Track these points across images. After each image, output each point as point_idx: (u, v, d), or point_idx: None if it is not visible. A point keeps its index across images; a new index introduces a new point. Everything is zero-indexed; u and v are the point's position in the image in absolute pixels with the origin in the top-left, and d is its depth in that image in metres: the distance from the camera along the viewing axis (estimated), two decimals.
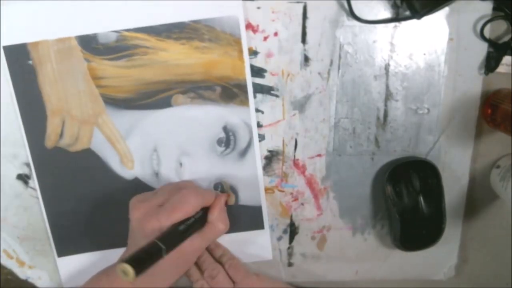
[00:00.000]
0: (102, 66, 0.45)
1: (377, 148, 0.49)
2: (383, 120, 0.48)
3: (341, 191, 0.50)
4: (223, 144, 0.47)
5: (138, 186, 0.48)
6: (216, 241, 0.49)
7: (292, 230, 0.51)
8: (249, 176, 0.48)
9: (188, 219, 0.41)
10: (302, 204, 0.50)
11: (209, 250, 0.48)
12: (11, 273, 0.51)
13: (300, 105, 0.47)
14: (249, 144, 0.47)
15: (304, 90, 0.47)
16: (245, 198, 0.48)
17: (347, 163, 0.49)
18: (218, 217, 0.44)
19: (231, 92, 0.45)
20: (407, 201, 0.48)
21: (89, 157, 0.47)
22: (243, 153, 0.47)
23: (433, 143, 0.49)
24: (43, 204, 0.48)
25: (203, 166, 0.48)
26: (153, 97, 0.46)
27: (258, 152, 0.47)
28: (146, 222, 0.40)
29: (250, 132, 0.46)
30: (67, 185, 0.48)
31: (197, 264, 0.47)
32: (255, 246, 0.50)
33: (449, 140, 0.49)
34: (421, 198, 0.48)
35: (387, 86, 0.47)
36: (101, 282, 0.42)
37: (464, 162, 0.50)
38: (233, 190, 0.48)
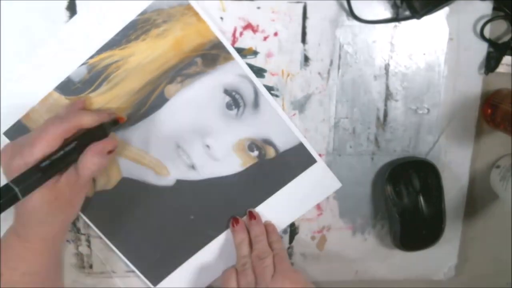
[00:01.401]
0: (90, 101, 0.45)
1: (377, 148, 0.49)
2: (383, 120, 0.48)
3: (341, 191, 0.50)
4: (233, 107, 0.46)
5: (181, 187, 0.48)
6: (274, 227, 0.49)
7: (292, 230, 0.51)
8: (274, 121, 0.46)
9: (55, 152, 0.37)
10: None
11: (266, 232, 0.48)
12: None
13: (300, 105, 0.47)
14: (256, 92, 0.46)
15: (304, 90, 0.47)
16: (283, 143, 0.47)
17: (347, 163, 0.49)
18: (87, 159, 0.39)
19: (211, 55, 0.44)
20: (407, 201, 0.48)
21: (128, 184, 0.47)
22: (255, 104, 0.46)
23: (433, 143, 0.49)
24: (115, 247, 0.49)
25: (228, 137, 0.47)
26: (147, 102, 0.45)
27: (268, 94, 0.46)
28: (11, 163, 0.36)
29: (250, 81, 0.45)
30: (124, 219, 0.48)
31: (250, 240, 0.47)
32: (319, 180, 0.49)
33: (449, 140, 0.49)
34: (421, 198, 0.48)
35: (387, 86, 0.47)
36: (13, 244, 0.40)
37: (464, 162, 0.50)
38: (268, 142, 0.47)
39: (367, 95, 0.47)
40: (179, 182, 0.48)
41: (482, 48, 0.47)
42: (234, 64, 0.45)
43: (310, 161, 0.48)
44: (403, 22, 0.46)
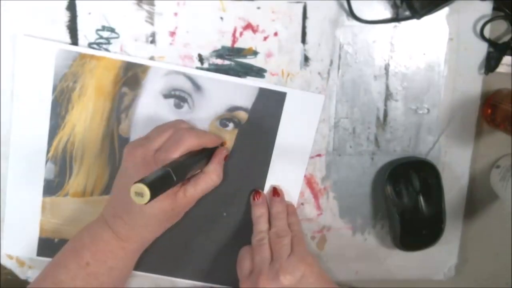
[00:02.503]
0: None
1: (377, 148, 0.49)
2: (383, 120, 0.48)
3: (341, 191, 0.50)
4: (181, 103, 0.45)
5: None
6: (295, 209, 0.49)
7: None
8: (223, 88, 0.46)
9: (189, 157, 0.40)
10: (302, 204, 0.50)
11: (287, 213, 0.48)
12: (11, 273, 0.51)
13: None
14: (190, 77, 0.45)
15: (304, 90, 0.47)
16: (246, 100, 0.46)
17: (347, 163, 0.49)
18: (213, 169, 0.43)
19: (131, 78, 0.45)
20: (407, 201, 0.48)
21: None
22: (197, 86, 0.45)
23: (433, 143, 0.49)
24: None
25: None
26: (116, 152, 0.47)
27: (199, 70, 0.45)
28: (144, 168, 0.39)
29: (177, 72, 0.45)
30: None
31: (269, 217, 0.47)
32: (301, 107, 0.47)
33: (449, 140, 0.49)
34: (421, 198, 0.48)
35: (387, 86, 0.47)
36: (83, 238, 0.42)
37: (464, 162, 0.50)
38: (233, 109, 0.46)
39: (367, 95, 0.47)
40: None
41: (482, 48, 0.47)
42: (153, 70, 0.45)
43: (281, 96, 0.46)
44: (403, 22, 0.46)
